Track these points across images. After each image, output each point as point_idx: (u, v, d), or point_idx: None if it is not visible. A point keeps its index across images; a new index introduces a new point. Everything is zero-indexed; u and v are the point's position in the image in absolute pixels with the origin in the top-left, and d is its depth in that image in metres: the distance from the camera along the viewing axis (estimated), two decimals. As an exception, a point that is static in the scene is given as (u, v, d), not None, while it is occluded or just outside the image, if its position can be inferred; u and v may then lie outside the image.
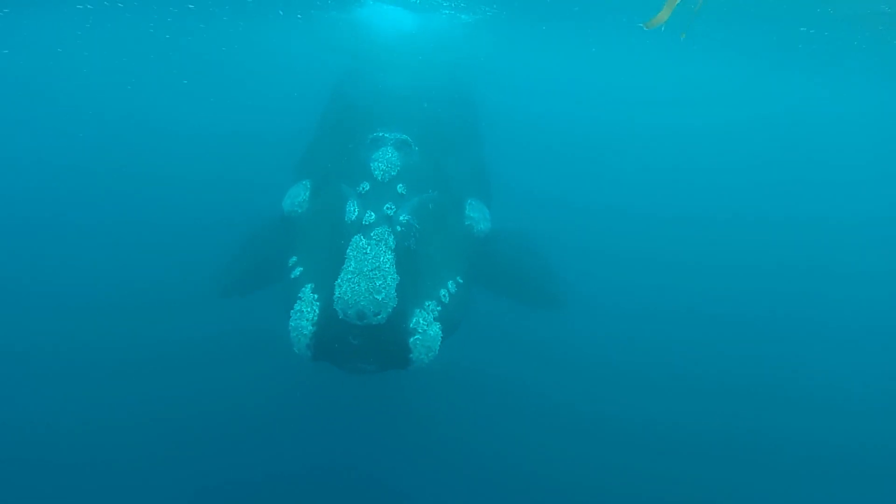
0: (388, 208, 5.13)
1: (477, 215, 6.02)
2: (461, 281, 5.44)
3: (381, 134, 5.98)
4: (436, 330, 4.83)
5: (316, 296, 4.80)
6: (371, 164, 5.52)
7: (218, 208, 10.35)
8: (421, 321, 4.78)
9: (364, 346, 4.63)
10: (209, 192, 11.32)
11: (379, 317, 4.51)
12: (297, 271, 5.18)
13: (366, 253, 4.70)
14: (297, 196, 5.84)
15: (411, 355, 4.70)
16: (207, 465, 6.79)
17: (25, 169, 12.68)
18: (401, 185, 5.45)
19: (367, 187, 5.37)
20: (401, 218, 5.07)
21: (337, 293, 4.53)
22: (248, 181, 10.32)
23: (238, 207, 8.82)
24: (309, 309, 4.74)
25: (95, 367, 7.81)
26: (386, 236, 4.85)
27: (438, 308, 4.99)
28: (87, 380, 7.63)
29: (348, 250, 4.74)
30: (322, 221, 5.41)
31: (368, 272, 4.58)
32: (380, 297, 4.51)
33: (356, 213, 5.06)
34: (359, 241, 4.79)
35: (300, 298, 4.85)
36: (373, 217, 5.00)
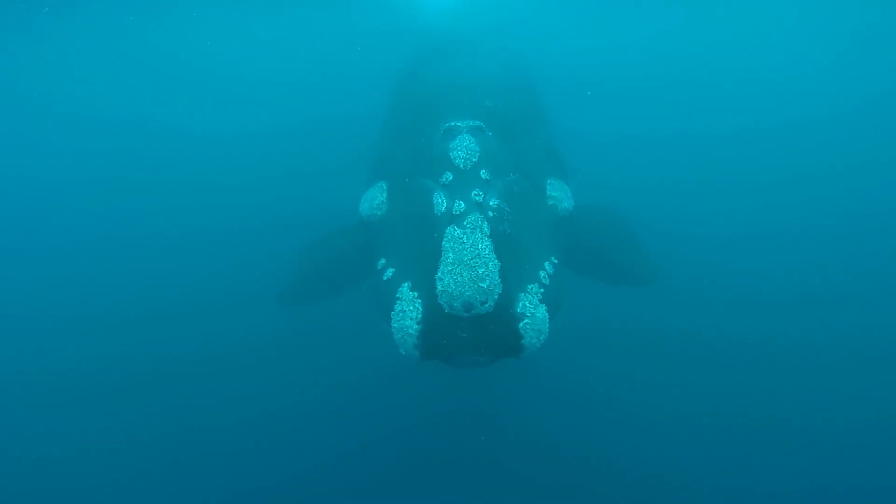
0: (475, 195, 5.01)
1: (559, 194, 5.89)
2: (556, 261, 5.30)
3: (453, 123, 5.88)
4: (543, 312, 4.67)
5: (415, 293, 4.73)
6: (451, 154, 5.42)
7: (279, 211, 9.75)
8: (527, 304, 4.62)
9: (474, 337, 4.51)
10: (268, 195, 10.44)
11: (486, 305, 4.39)
12: (389, 272, 5.15)
13: (463, 242, 4.60)
14: (375, 199, 5.84)
15: (523, 341, 4.55)
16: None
17: (83, 173, 12.13)
18: (483, 170, 5.32)
19: (451, 177, 5.27)
20: (491, 203, 4.94)
21: (440, 287, 4.44)
22: (302, 183, 9.82)
23: (300, 210, 8.60)
24: (411, 307, 4.67)
25: (147, 375, 7.88)
26: (480, 223, 4.72)
27: (541, 290, 4.82)
28: (137, 390, 7.72)
29: (444, 242, 4.64)
30: (409, 219, 5.37)
31: (469, 261, 4.47)
32: (484, 285, 4.39)
33: (445, 204, 4.97)
34: (453, 231, 4.69)
35: (399, 299, 4.80)
36: (462, 206, 4.89)
